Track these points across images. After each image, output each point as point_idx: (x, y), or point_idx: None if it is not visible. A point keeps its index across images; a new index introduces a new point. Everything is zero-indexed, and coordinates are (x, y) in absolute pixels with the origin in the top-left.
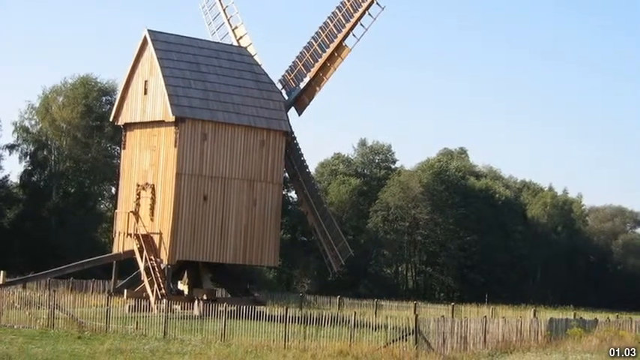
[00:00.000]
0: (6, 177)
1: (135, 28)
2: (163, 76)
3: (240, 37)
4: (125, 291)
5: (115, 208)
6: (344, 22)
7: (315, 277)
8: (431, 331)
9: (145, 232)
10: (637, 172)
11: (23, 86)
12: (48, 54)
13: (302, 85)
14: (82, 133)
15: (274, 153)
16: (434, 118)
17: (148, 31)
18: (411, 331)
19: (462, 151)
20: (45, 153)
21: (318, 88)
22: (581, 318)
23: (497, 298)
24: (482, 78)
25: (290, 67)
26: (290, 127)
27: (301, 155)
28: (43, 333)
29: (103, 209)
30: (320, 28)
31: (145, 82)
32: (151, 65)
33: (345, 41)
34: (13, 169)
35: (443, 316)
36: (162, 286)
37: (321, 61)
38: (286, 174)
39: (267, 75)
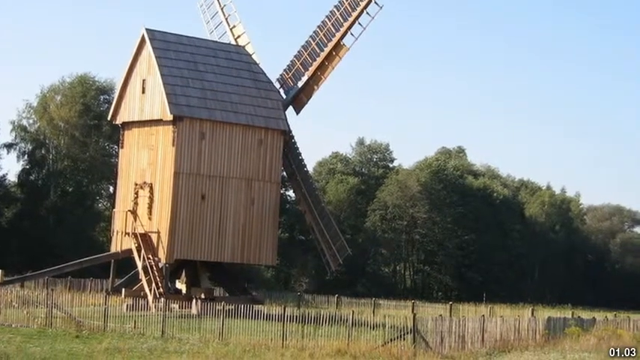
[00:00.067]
0: (4, 176)
1: (133, 27)
2: (161, 75)
3: (238, 36)
4: (123, 290)
5: (113, 207)
6: (342, 21)
7: (313, 276)
8: (429, 330)
9: (142, 231)
10: (635, 171)
11: (21, 85)
12: (46, 53)
13: (300, 84)
14: (80, 132)
15: (272, 152)
16: (432, 117)
17: (146, 30)
18: (408, 330)
19: (460, 150)
20: (43, 152)
21: (316, 87)
22: (579, 317)
23: (495, 297)
24: (481, 77)
25: (288, 66)
26: (288, 126)
27: (299, 154)
28: (40, 332)
29: (101, 208)
30: (318, 27)
31: (143, 81)
32: (148, 64)
33: (343, 40)
34: (11, 168)
35: (441, 315)
36: (160, 285)
37: (319, 60)
38: (284, 173)
39: (265, 74)
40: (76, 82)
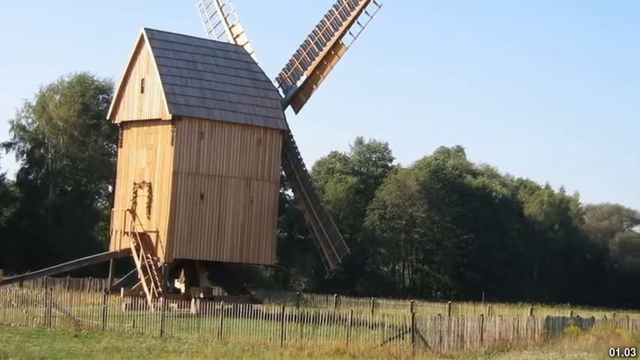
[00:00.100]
0: (3, 175)
1: (132, 27)
2: (160, 74)
3: (237, 36)
4: (122, 289)
5: (112, 206)
6: (341, 20)
7: (311, 275)
8: (428, 330)
9: (141, 231)
10: (635, 171)
11: (20, 84)
12: (45, 52)
13: (299, 83)
14: (79, 132)
15: (271, 151)
16: (431, 117)
17: (145, 29)
18: (407, 329)
19: (459, 149)
20: (42, 151)
21: (314, 87)
22: (578, 316)
23: (494, 297)
24: (480, 77)
25: (287, 65)
26: (287, 125)
27: (298, 153)
28: (40, 331)
29: (100, 207)
30: (317, 26)
31: (142, 80)
32: (147, 63)
33: (342, 39)
34: (10, 167)
35: (440, 315)
36: (159, 284)
37: (318, 59)
38: (283, 172)
39: (263, 73)
40: (75, 82)
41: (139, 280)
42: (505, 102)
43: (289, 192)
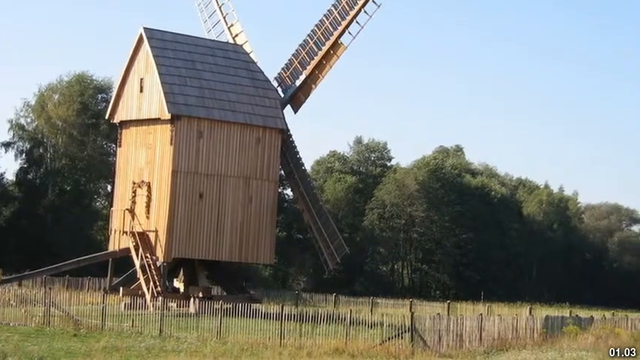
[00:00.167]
0: (2, 175)
1: (131, 26)
2: (159, 73)
3: (236, 35)
4: (121, 289)
5: (111, 205)
6: (340, 19)
7: (310, 274)
8: (427, 329)
9: (140, 230)
10: (635, 171)
11: (19, 84)
12: (44, 52)
13: (298, 82)
14: (78, 131)
15: (270, 150)
16: (430, 116)
17: (144, 28)
18: (406, 328)
19: (458, 149)
20: (41, 151)
21: (313, 86)
22: (576, 315)
23: (493, 296)
24: (479, 76)
25: (286, 64)
26: (286, 124)
27: (297, 153)
28: (38, 331)
29: (99, 207)
30: (316, 25)
31: (141, 79)
32: (146, 63)
33: (341, 39)
34: (9, 166)
35: (439, 314)
36: (158, 283)
37: (317, 58)
38: (282, 171)
39: (262, 73)
40: (74, 81)
41: (138, 279)
42: (505, 102)
43: (288, 191)
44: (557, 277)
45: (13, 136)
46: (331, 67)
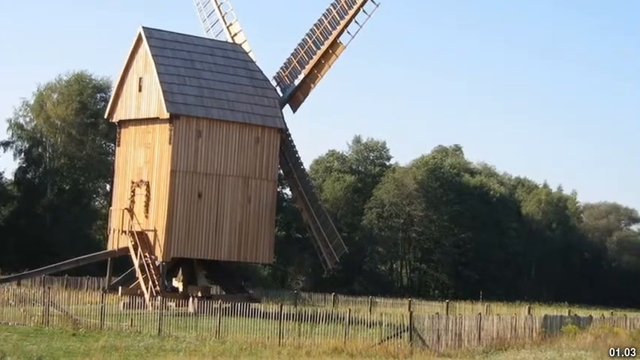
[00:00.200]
0: (0, 174)
1: (129, 26)
2: (158, 73)
3: (235, 34)
4: (120, 288)
5: (110, 205)
6: (338, 19)
7: (309, 274)
8: (425, 328)
9: (139, 229)
10: (635, 171)
11: (18, 83)
12: (43, 51)
13: (297, 82)
14: (77, 130)
15: (269, 150)
16: (428, 116)
17: (143, 28)
18: (405, 328)
19: (457, 148)
20: (39, 150)
21: (312, 85)
22: (575, 315)
23: (491, 295)
24: (478, 75)
25: (285, 64)
26: (285, 124)
27: (296, 152)
28: (37, 330)
29: (98, 206)
30: (314, 25)
31: (140, 79)
32: (145, 62)
33: (340, 38)
34: (8, 166)
35: (437, 313)
36: (156, 283)
37: (315, 58)
38: (281, 171)
39: (261, 72)
40: (73, 80)
41: (137, 278)
42: (504, 101)
43: (287, 191)
44: (556, 276)
45: (12, 136)
46: (330, 66)
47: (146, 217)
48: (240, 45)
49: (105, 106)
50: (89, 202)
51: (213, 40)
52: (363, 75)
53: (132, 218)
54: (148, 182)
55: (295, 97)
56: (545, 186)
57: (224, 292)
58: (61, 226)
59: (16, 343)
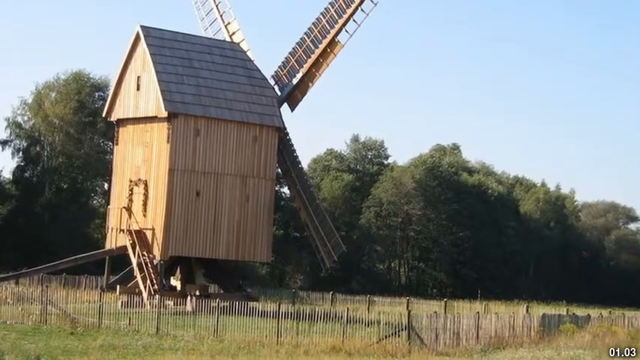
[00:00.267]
0: None
1: (128, 25)
2: (156, 71)
3: (233, 33)
4: (118, 287)
5: (108, 203)
6: (336, 18)
7: (307, 272)
8: (423, 327)
9: (137, 228)
10: (635, 170)
11: (16, 82)
12: (41, 50)
13: (295, 80)
14: (75, 129)
15: (267, 149)
16: (427, 114)
17: (141, 27)
18: (403, 327)
19: (455, 147)
20: (37, 149)
21: (310, 84)
22: (573, 314)
23: (489, 294)
24: (476, 75)
25: (283, 62)
26: (283, 122)
27: (294, 151)
28: (35, 329)
29: (96, 205)
30: (313, 24)
31: (138, 77)
32: (143, 61)
33: (338, 37)
34: (6, 164)
35: (435, 312)
36: (154, 281)
37: (313, 57)
38: (279, 170)
39: (259, 71)
40: (71, 79)
41: (135, 277)
42: (502, 100)
43: (285, 189)
44: (554, 275)
45: (10, 134)
46: (328, 65)
47: (144, 215)
48: (238, 44)
49: (103, 105)
50: (87, 200)
51: (211, 38)
52: (362, 74)
53: (130, 217)
54: (146, 181)
55: (293, 96)
56: (544, 185)
57: (222, 291)
58: (59, 224)
59: (14, 342)
